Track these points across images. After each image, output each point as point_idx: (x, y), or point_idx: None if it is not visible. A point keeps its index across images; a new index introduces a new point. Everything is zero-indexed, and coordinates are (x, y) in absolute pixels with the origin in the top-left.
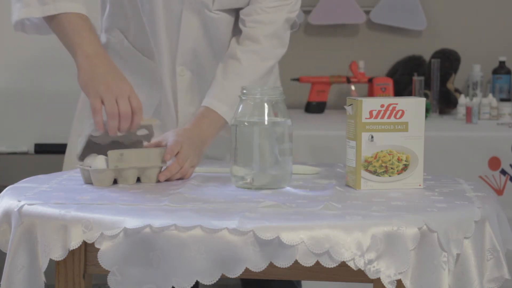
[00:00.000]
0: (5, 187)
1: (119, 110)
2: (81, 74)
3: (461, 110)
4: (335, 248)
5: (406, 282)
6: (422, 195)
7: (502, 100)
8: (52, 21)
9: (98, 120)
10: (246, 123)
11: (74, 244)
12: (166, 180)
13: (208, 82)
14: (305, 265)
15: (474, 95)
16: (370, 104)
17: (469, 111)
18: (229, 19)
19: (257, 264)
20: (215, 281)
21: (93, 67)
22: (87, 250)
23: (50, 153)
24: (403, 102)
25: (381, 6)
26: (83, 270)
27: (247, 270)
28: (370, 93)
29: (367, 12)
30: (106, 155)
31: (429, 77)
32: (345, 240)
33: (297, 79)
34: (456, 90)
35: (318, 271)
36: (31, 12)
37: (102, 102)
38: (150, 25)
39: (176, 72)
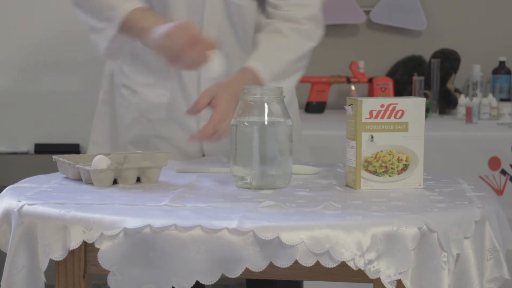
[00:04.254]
0: (5, 187)
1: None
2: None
3: (461, 110)
4: (335, 248)
5: (406, 282)
6: (422, 195)
7: (502, 100)
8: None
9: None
10: (246, 123)
11: (74, 244)
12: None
13: (233, 73)
14: (305, 265)
15: (474, 95)
16: (370, 104)
17: (469, 111)
18: (254, 7)
19: (257, 264)
20: (215, 281)
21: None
22: (87, 250)
23: (50, 153)
24: (403, 102)
25: (381, 6)
26: (83, 270)
27: (247, 270)
28: (370, 93)
29: (367, 12)
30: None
31: (429, 77)
32: (345, 240)
33: None
34: (456, 90)
35: (318, 271)
36: (108, 34)
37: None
38: (170, 15)
39: None
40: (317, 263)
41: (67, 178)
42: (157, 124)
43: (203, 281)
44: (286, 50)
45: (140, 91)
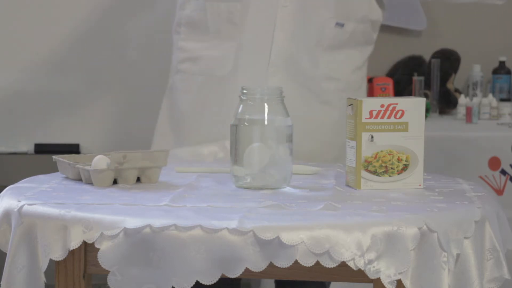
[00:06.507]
0: (5, 187)
1: None
2: None
3: (461, 110)
4: (335, 248)
5: (406, 282)
6: (422, 195)
7: (502, 100)
8: None
9: None
10: (246, 123)
11: (74, 244)
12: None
13: (312, 15)
14: (305, 265)
15: (474, 95)
16: (370, 104)
17: (469, 111)
18: None
19: (257, 264)
20: (215, 281)
21: None
22: (87, 250)
23: (50, 153)
24: (403, 102)
25: None
26: (83, 270)
27: (247, 270)
28: (370, 93)
29: None
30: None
31: (429, 77)
32: (345, 240)
33: None
34: (456, 90)
35: (318, 271)
36: None
37: None
38: None
39: (278, 3)
40: (317, 263)
41: (67, 178)
42: (224, 80)
43: (203, 281)
44: None
45: (203, 55)
